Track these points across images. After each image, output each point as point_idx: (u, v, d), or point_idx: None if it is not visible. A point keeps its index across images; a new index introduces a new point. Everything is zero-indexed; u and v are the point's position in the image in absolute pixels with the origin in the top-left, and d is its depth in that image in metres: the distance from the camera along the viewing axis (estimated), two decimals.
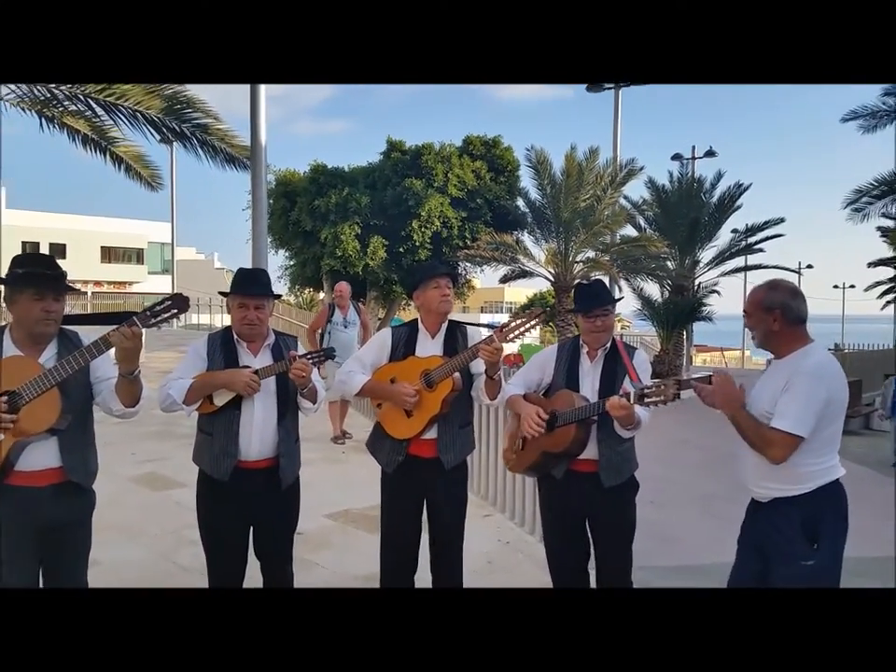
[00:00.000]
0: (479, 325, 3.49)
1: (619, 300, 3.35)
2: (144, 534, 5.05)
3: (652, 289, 19.14)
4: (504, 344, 3.02)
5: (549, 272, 17.17)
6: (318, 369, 3.08)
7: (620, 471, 3.11)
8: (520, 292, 47.11)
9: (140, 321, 2.51)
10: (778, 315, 2.59)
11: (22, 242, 39.70)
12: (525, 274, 17.95)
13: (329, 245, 17.99)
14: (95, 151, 10.28)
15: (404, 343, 3.32)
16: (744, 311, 2.69)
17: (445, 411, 3.16)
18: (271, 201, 19.46)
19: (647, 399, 2.74)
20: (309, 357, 2.98)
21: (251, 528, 3.10)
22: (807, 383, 2.49)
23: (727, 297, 21.62)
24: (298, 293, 21.98)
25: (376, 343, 3.42)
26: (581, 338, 3.22)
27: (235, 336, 3.07)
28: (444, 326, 3.33)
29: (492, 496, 5.78)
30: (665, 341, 17.87)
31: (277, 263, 25.56)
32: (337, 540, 5.06)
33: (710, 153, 22.32)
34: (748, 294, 2.93)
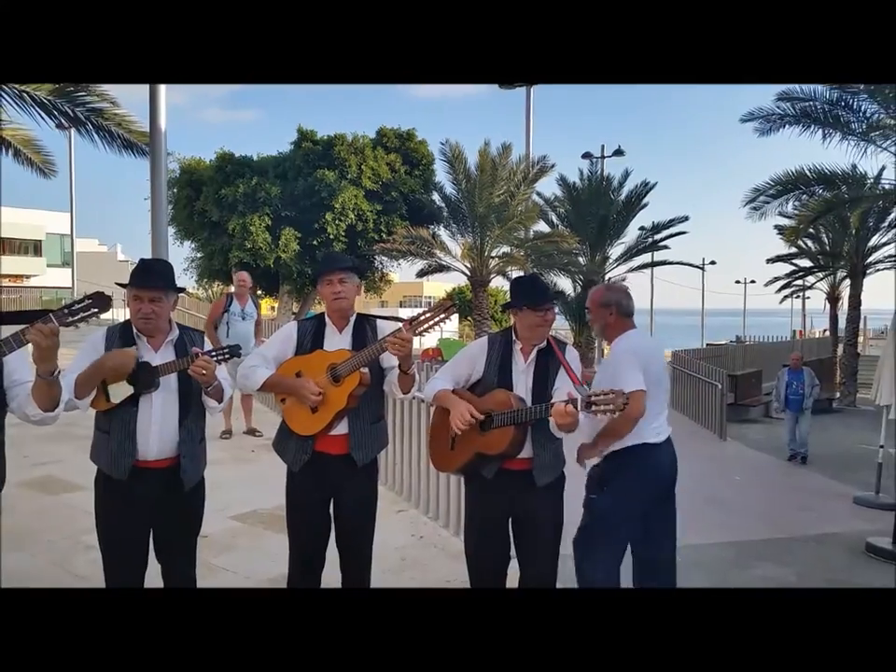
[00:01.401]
0: (388, 318, 3.38)
1: (557, 294, 3.39)
2: (36, 541, 4.72)
3: (565, 284, 19.61)
4: (415, 337, 2.95)
5: (465, 266, 17.30)
6: (224, 365, 2.96)
7: (553, 469, 3.06)
8: (439, 287, 47.19)
9: (57, 319, 2.37)
10: (614, 311, 3.35)
11: None
12: (441, 269, 18.04)
13: (237, 236, 17.48)
14: None
15: (311, 337, 3.21)
16: (586, 307, 3.29)
17: (352, 406, 3.07)
18: (175, 190, 18.77)
19: (594, 408, 2.65)
20: (213, 354, 2.85)
21: (151, 531, 2.97)
22: (624, 355, 3.29)
23: (635, 291, 22.21)
24: (206, 286, 21.25)
25: (280, 336, 3.30)
26: (518, 333, 3.11)
27: (135, 330, 2.92)
28: (352, 319, 3.23)
29: (406, 490, 5.72)
30: (578, 334, 18.34)
31: (183, 255, 24.70)
32: (244, 542, 4.88)
33: (619, 152, 22.92)
34: (590, 293, 3.47)
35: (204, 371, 2.77)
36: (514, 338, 3.11)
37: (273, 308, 23.86)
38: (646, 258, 21.81)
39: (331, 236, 17.91)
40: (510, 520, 3.10)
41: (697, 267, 27.91)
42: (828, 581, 4.84)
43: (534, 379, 3.04)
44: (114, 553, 2.94)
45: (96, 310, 2.42)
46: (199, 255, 20.51)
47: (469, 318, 20.71)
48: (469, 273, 17.41)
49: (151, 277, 2.91)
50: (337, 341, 3.18)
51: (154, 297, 2.86)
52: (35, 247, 43.89)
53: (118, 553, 2.93)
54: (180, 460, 2.91)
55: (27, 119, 8.85)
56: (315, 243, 18.13)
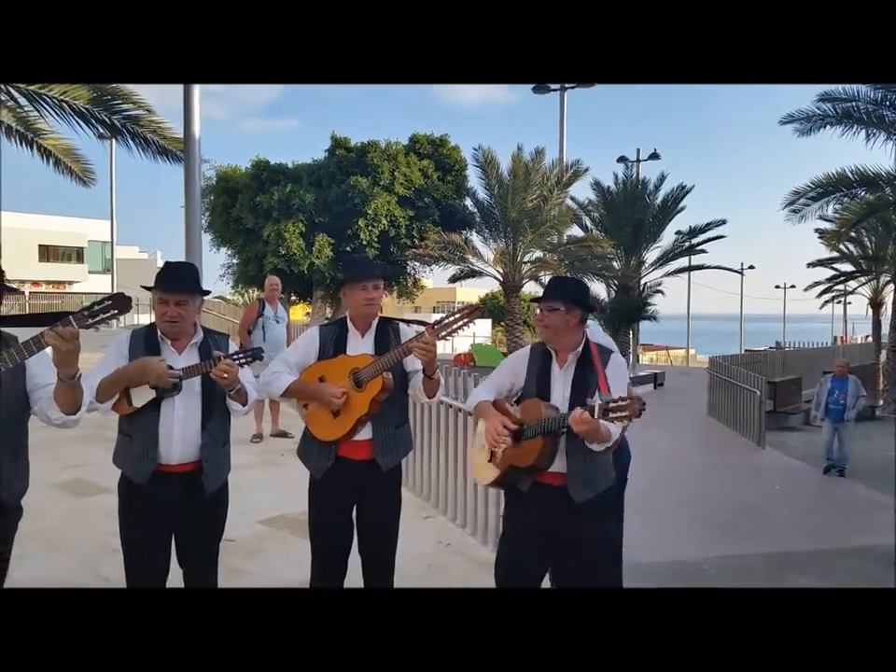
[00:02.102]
0: (411, 321, 3.34)
1: (580, 303, 2.92)
2: (67, 544, 4.77)
3: (599, 289, 19.41)
4: (442, 341, 2.90)
5: (497, 271, 17.22)
6: (249, 368, 2.94)
7: (593, 485, 2.83)
8: (472, 292, 47.16)
9: (76, 321, 2.35)
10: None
11: None
12: (473, 274, 17.98)
13: (272, 242, 17.66)
14: (21, 144, 9.82)
15: (333, 341, 3.18)
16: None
17: (374, 411, 3.03)
18: (211, 197, 19.06)
19: (612, 415, 2.52)
20: (236, 357, 2.83)
21: (173, 536, 2.96)
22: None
23: (671, 297, 22.05)
24: (242, 292, 21.51)
25: (303, 341, 3.28)
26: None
27: (159, 333, 2.92)
28: (374, 323, 3.20)
29: (433, 496, 5.66)
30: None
31: (220, 261, 25.04)
32: (270, 547, 4.87)
33: (654, 156, 22.71)
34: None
35: (226, 375, 2.76)
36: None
37: (307, 314, 24.05)
38: (683, 262, 21.58)
39: (364, 242, 17.99)
40: (546, 539, 2.89)
41: (735, 271, 27.35)
42: None
43: (572, 387, 2.87)
44: (136, 557, 2.93)
45: (116, 311, 2.40)
46: (235, 261, 20.80)
47: (501, 324, 20.60)
48: (501, 279, 17.32)
49: (177, 280, 2.90)
50: (360, 345, 3.15)
51: (180, 300, 2.85)
52: (77, 254, 44.92)
53: (140, 558, 2.92)
54: (202, 464, 2.90)
55: (66, 127, 9.04)
56: (348, 249, 18.23)
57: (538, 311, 2.96)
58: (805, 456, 9.85)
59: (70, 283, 43.66)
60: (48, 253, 43.34)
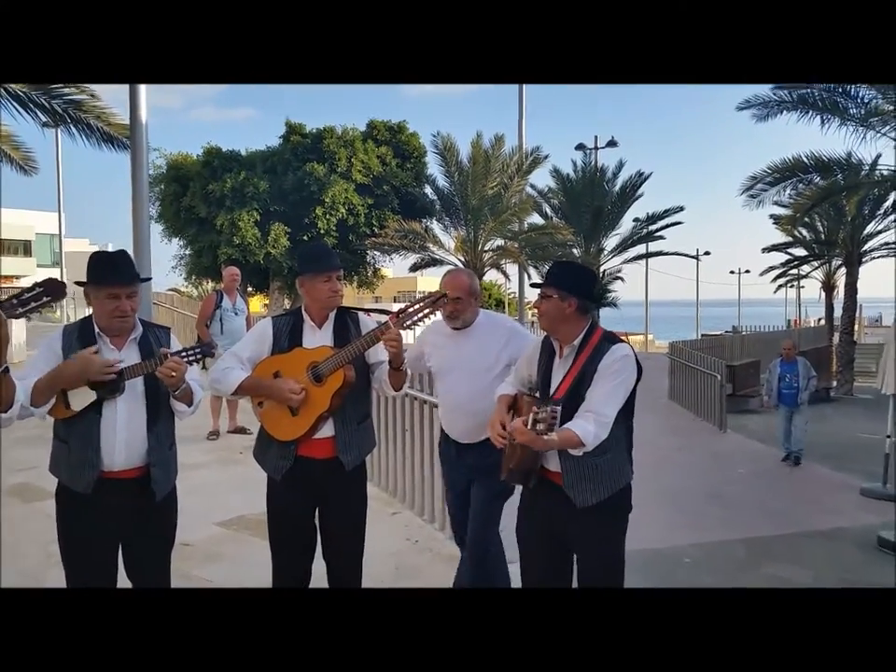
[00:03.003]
0: (371, 310, 3.16)
1: (578, 290, 2.71)
2: (8, 552, 4.48)
3: None
4: (402, 331, 2.74)
5: (459, 259, 17.07)
6: (197, 365, 2.74)
7: (593, 490, 2.59)
8: (433, 281, 46.76)
9: (3, 310, 2.18)
10: (478, 299, 3.39)
11: None
12: (434, 263, 17.80)
13: (225, 232, 17.21)
14: None
15: (288, 334, 2.98)
16: (457, 297, 3.19)
17: (336, 407, 2.86)
18: (162, 186, 18.47)
19: (538, 426, 2.31)
20: (184, 354, 2.63)
21: (119, 548, 2.76)
22: None
23: (630, 283, 22.25)
24: (196, 284, 20.96)
25: (254, 335, 3.08)
26: None
27: (97, 329, 2.69)
28: (332, 314, 3.02)
29: (399, 492, 5.49)
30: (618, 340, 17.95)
31: (171, 252, 24.37)
32: (229, 551, 4.65)
33: (612, 143, 22.74)
34: (456, 282, 3.31)
35: (174, 374, 2.57)
36: None
37: (265, 305, 23.59)
38: (641, 249, 21.72)
39: (322, 231, 17.66)
40: (560, 538, 2.72)
41: (692, 257, 27.74)
42: (842, 581, 4.64)
43: (570, 381, 2.65)
44: (79, 573, 2.71)
45: (48, 298, 2.26)
46: (187, 252, 20.23)
47: None
48: (463, 267, 17.19)
49: (125, 271, 2.69)
50: (317, 337, 2.97)
51: (132, 292, 2.66)
52: (24, 248, 43.55)
53: (84, 574, 2.70)
54: (150, 469, 2.70)
55: (6, 115, 8.56)
56: (305, 238, 17.85)
57: (538, 299, 2.82)
58: (765, 439, 9.94)
59: (18, 277, 42.23)
60: None
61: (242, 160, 18.36)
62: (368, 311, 3.13)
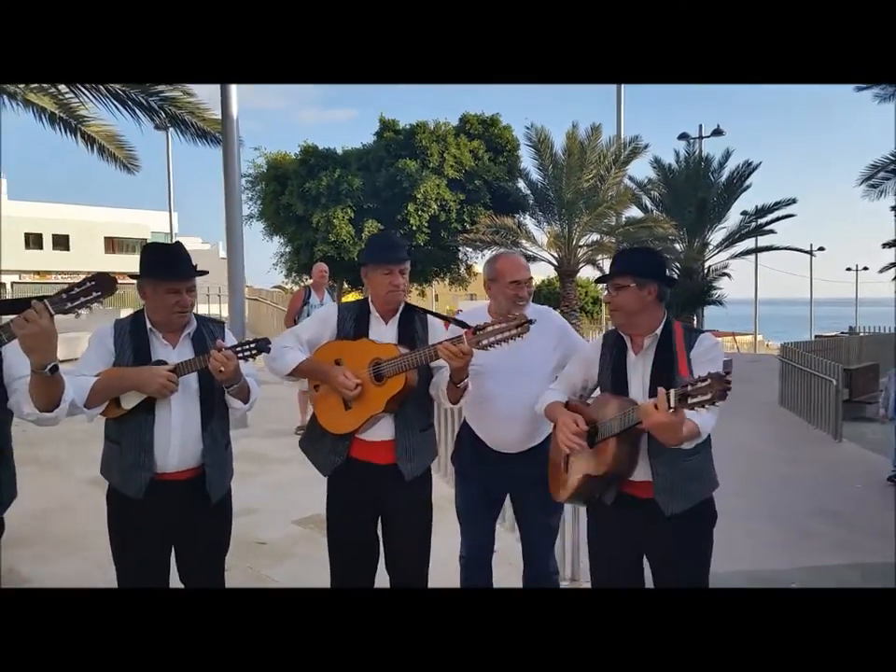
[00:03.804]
0: (446, 318, 2.89)
1: (657, 275, 2.46)
2: (88, 544, 4.53)
3: None
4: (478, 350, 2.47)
5: (552, 255, 16.65)
6: (253, 361, 2.60)
7: (685, 494, 2.40)
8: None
9: (53, 305, 2.12)
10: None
11: (25, 233, 39.66)
12: (527, 259, 17.30)
13: (321, 229, 17.45)
14: (65, 131, 9.73)
15: (353, 322, 2.83)
16: (530, 279, 2.93)
17: (390, 411, 2.69)
18: (263, 185, 18.95)
19: (690, 400, 2.00)
20: (238, 349, 2.50)
21: (172, 552, 2.68)
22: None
23: (738, 280, 21.18)
24: (296, 281, 21.43)
25: (318, 317, 2.93)
26: None
27: (149, 324, 2.60)
28: (400, 309, 2.83)
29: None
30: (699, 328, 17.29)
31: (272, 250, 25.01)
32: (302, 550, 4.54)
33: (718, 132, 21.73)
34: (518, 263, 2.97)
35: (223, 368, 2.43)
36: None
37: None
38: (749, 243, 20.73)
39: (414, 227, 17.63)
40: (643, 558, 2.52)
41: (805, 252, 26.16)
42: None
43: (651, 377, 2.41)
44: (131, 576, 2.63)
45: (99, 294, 2.16)
46: (287, 249, 20.68)
47: (557, 310, 20.07)
48: (556, 263, 16.73)
49: (184, 265, 2.60)
50: (382, 331, 2.79)
51: (191, 286, 2.59)
52: (141, 246, 46.18)
53: (135, 577, 2.62)
54: (205, 470, 2.60)
55: (118, 118, 8.84)
56: (398, 234, 17.84)
57: (606, 290, 2.50)
58: (885, 450, 9.01)
59: (134, 274, 44.86)
60: (112, 245, 44.61)
61: (337, 158, 18.56)
62: (442, 317, 2.89)
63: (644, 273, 2.43)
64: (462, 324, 2.66)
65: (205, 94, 8.73)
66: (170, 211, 30.67)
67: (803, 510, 6.33)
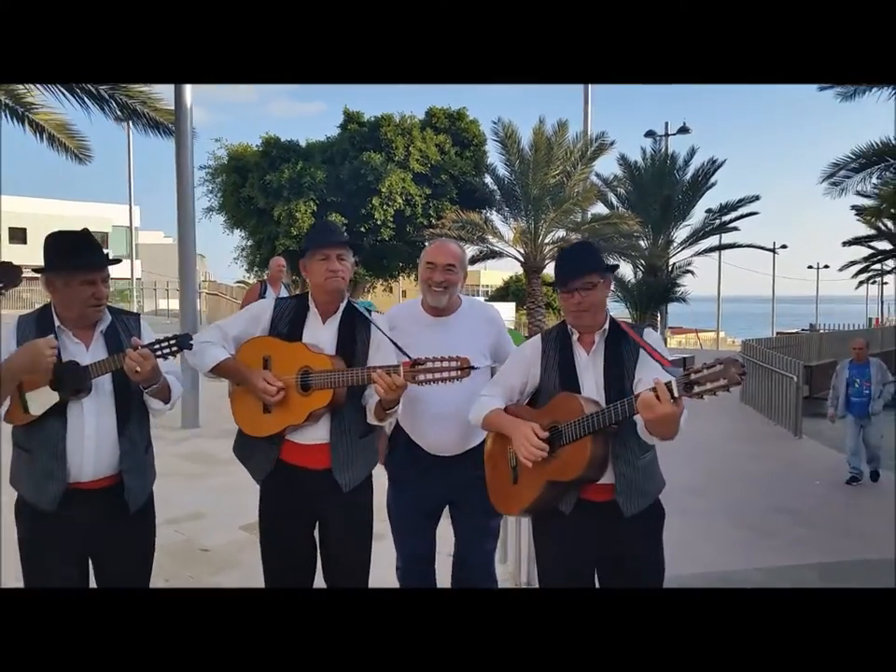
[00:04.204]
0: (391, 339, 2.61)
1: (612, 267, 2.50)
2: None
3: (625, 269, 18.79)
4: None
5: (518, 252, 16.57)
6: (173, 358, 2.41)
7: (643, 494, 2.34)
8: (497, 275, 46.11)
9: None
10: (465, 277, 2.90)
11: None
12: (494, 255, 17.37)
13: (283, 223, 17.13)
14: (12, 119, 9.35)
15: (289, 320, 2.64)
16: (450, 264, 2.75)
17: (308, 424, 2.53)
18: (223, 177, 18.57)
19: (699, 388, 1.90)
20: (156, 346, 2.31)
21: (90, 567, 2.49)
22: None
23: (701, 277, 21.38)
24: (258, 276, 21.06)
25: (250, 313, 2.74)
26: (568, 322, 2.46)
27: (58, 321, 2.40)
28: (342, 307, 2.65)
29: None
30: (639, 322, 17.44)
31: (233, 244, 24.60)
32: (248, 557, 4.33)
33: (684, 129, 21.88)
34: (445, 248, 2.85)
35: (139, 369, 2.25)
36: (570, 328, 2.43)
37: None
38: (713, 241, 20.92)
39: (379, 222, 17.41)
40: (589, 564, 2.41)
41: (768, 250, 26.48)
42: None
43: (605, 373, 2.32)
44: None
45: (1, 285, 2.09)
46: (248, 243, 20.31)
47: (524, 307, 20.01)
48: (522, 259, 16.65)
49: (98, 253, 2.40)
50: (320, 332, 2.61)
51: (105, 276, 2.40)
52: (101, 240, 44.96)
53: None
54: (123, 477, 2.41)
55: (67, 105, 8.51)
56: (362, 229, 17.61)
57: (570, 293, 2.35)
58: (844, 447, 9.12)
59: (39, 267, 43.86)
60: None
61: (300, 150, 18.24)
62: (387, 337, 2.63)
63: (605, 269, 2.38)
64: (403, 352, 2.47)
65: (159, 85, 8.43)
66: (129, 204, 30.06)
67: (761, 507, 6.31)
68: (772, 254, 31.70)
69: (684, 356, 14.89)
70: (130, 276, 30.14)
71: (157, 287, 28.43)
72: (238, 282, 24.81)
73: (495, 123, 16.32)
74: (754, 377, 11.66)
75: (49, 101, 9.07)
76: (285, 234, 17.31)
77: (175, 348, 2.33)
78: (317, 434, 2.55)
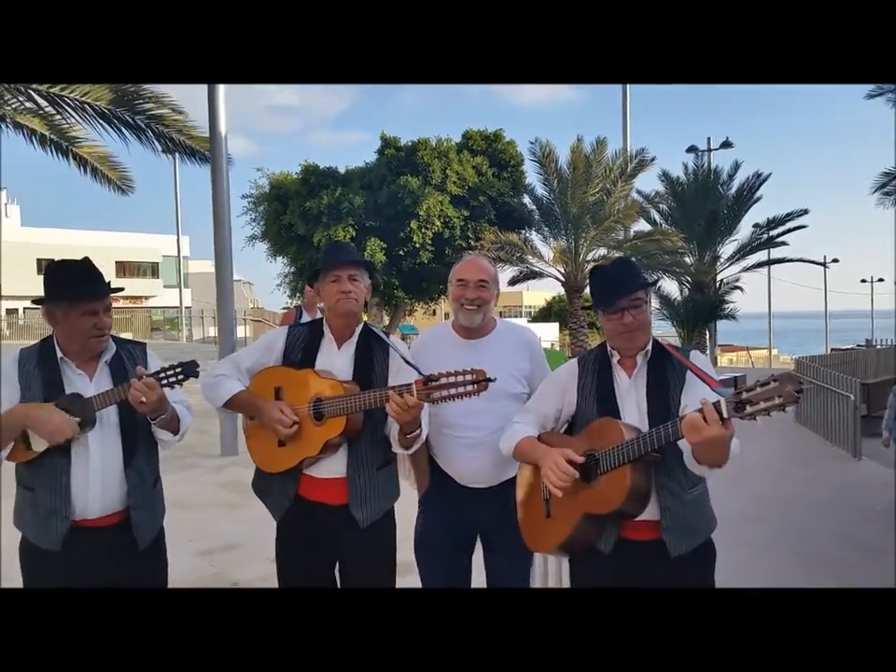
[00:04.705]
0: (405, 359, 2.49)
1: (653, 283, 2.40)
2: None
3: (670, 287, 18.43)
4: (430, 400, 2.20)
5: (559, 271, 16.38)
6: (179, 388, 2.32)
7: (692, 531, 2.13)
8: (539, 295, 45.82)
9: None
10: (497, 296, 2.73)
11: (37, 259, 39.94)
12: (533, 275, 17.21)
13: (323, 249, 17.23)
14: (56, 153, 9.59)
15: (302, 347, 2.53)
16: (483, 280, 2.61)
17: (326, 455, 2.40)
18: (265, 205, 18.84)
19: (751, 408, 1.71)
20: (161, 375, 2.22)
21: None
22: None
23: (751, 293, 20.83)
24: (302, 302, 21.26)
25: (263, 343, 2.64)
26: (609, 344, 2.27)
27: (60, 353, 2.31)
28: (357, 331, 2.52)
29: None
30: (687, 341, 17.08)
31: (276, 271, 24.89)
32: None
33: (727, 144, 21.55)
34: (481, 264, 2.71)
35: (144, 399, 2.16)
36: (610, 350, 2.24)
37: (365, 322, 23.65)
38: (761, 255, 20.36)
39: (417, 245, 17.43)
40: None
41: (819, 264, 25.77)
42: None
43: (648, 398, 2.14)
44: None
45: None
46: (290, 270, 20.51)
47: (567, 327, 19.76)
48: (562, 279, 16.44)
49: (100, 282, 2.32)
50: (334, 358, 2.49)
51: (108, 305, 2.32)
52: (152, 269, 46.39)
53: None
54: (130, 514, 2.32)
55: (110, 137, 8.67)
56: (401, 252, 17.65)
57: (618, 313, 2.17)
58: None
59: (146, 297, 45.07)
60: (124, 269, 44.82)
61: (339, 176, 18.44)
62: (403, 358, 2.50)
63: (649, 284, 2.24)
64: (418, 370, 2.33)
65: (196, 114, 8.54)
66: (177, 234, 30.78)
67: (820, 534, 5.96)
68: (823, 268, 30.81)
69: (735, 374, 14.45)
70: (179, 305, 30.75)
71: (204, 314, 28.93)
72: (283, 308, 25.11)
73: (532, 143, 16.31)
74: (809, 396, 11.23)
75: (90, 134, 9.27)
76: None
77: (181, 377, 2.25)
78: (334, 468, 2.42)
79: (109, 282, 2.34)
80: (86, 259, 2.36)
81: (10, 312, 35.62)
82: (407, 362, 2.44)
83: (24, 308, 38.85)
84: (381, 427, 2.47)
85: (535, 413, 2.34)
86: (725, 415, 1.75)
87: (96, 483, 2.27)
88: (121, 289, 2.43)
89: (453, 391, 2.16)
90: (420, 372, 2.32)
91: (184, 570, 4.66)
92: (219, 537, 5.23)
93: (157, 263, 46.11)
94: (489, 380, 2.17)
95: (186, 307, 31.23)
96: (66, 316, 2.26)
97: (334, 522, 2.43)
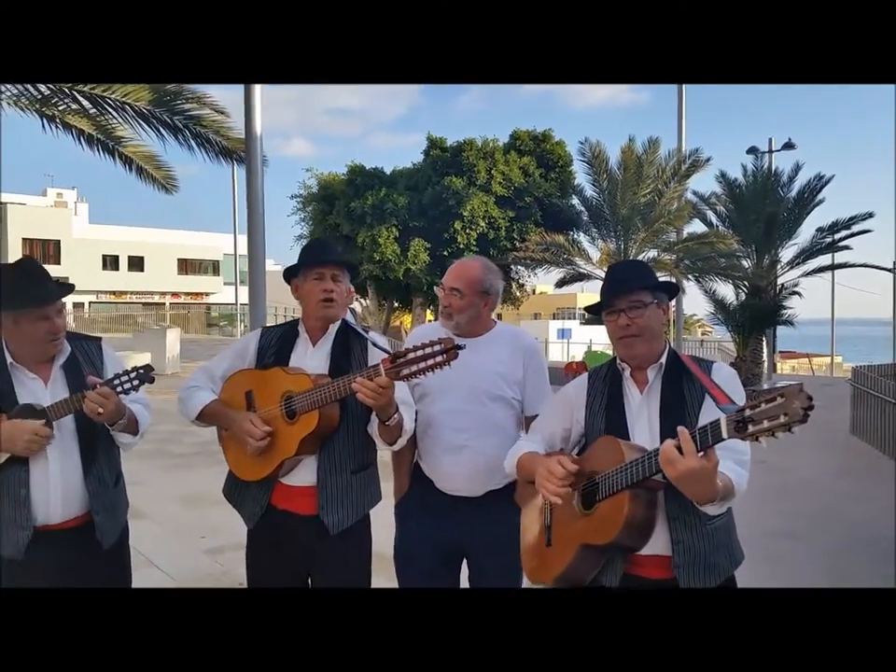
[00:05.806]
0: (377, 345, 2.39)
1: (666, 287, 2.06)
2: None
3: (726, 291, 17.83)
4: (406, 380, 2.08)
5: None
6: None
7: (709, 568, 1.91)
8: (594, 298, 45.11)
9: None
10: (492, 301, 2.57)
11: (103, 255, 41.51)
12: (581, 278, 16.85)
13: (366, 248, 17.31)
14: (103, 152, 9.78)
15: (275, 349, 2.43)
16: (454, 289, 2.48)
17: (304, 454, 2.28)
18: (313, 205, 19.02)
19: (754, 427, 1.50)
20: (116, 382, 2.17)
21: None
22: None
23: (812, 299, 20.06)
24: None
25: (236, 347, 2.55)
26: (616, 355, 2.09)
27: (10, 358, 2.26)
28: (334, 329, 2.41)
29: None
30: (742, 347, 16.45)
31: None
32: None
33: (789, 145, 20.79)
34: (459, 270, 2.56)
35: (101, 410, 2.12)
36: (620, 364, 2.05)
37: (400, 322, 23.63)
38: (824, 260, 19.54)
39: (462, 245, 17.34)
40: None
41: (886, 270, 24.55)
42: None
43: (661, 415, 1.94)
44: None
45: None
46: None
47: None
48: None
49: (50, 285, 2.26)
50: (309, 357, 2.38)
51: (60, 307, 2.26)
52: (213, 267, 47.66)
53: None
54: (92, 518, 2.28)
55: (145, 135, 8.82)
56: (445, 253, 17.56)
57: (615, 313, 1.99)
58: None
59: (207, 294, 46.29)
60: (185, 266, 46.10)
61: (384, 177, 18.51)
62: (380, 347, 2.39)
63: (658, 287, 1.99)
64: (386, 350, 2.21)
65: (230, 113, 8.59)
66: (234, 233, 31.35)
67: (869, 558, 5.57)
68: (891, 273, 29.41)
69: (793, 382, 13.78)
70: (234, 302, 31.33)
71: (276, 312, 29.40)
72: None
73: (581, 143, 15.98)
74: (868, 407, 10.68)
75: (135, 134, 9.42)
76: (368, 260, 17.50)
77: (136, 382, 2.19)
78: (304, 475, 2.31)
79: (58, 279, 2.27)
80: (29, 259, 2.30)
81: (77, 306, 37.03)
82: (379, 348, 2.31)
83: (90, 302, 40.42)
84: (359, 429, 2.34)
85: (541, 433, 2.16)
86: (725, 436, 1.53)
87: (56, 493, 2.24)
88: (72, 288, 2.34)
89: (422, 364, 2.02)
90: (385, 350, 2.22)
91: (195, 568, 4.66)
92: (232, 535, 5.20)
93: (218, 261, 47.26)
94: (459, 347, 2.02)
95: (242, 304, 31.76)
96: (15, 323, 2.19)
97: (305, 532, 2.31)
